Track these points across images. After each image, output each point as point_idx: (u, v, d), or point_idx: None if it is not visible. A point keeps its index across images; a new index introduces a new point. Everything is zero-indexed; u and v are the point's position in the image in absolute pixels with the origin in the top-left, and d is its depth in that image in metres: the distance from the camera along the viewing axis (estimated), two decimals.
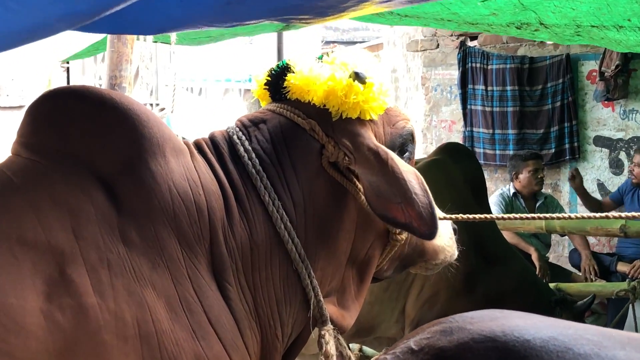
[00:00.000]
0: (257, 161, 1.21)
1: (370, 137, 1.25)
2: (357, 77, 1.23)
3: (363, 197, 1.25)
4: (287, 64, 1.31)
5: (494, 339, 0.81)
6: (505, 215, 1.44)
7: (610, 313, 4.09)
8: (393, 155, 1.22)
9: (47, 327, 0.92)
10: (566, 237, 4.91)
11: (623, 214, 1.36)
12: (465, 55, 5.57)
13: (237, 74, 8.80)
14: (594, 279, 4.16)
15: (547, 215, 1.36)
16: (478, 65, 5.52)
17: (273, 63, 1.36)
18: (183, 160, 1.16)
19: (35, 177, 1.05)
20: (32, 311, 0.92)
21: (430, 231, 1.17)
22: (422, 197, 1.17)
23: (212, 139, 1.26)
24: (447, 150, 3.04)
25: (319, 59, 1.31)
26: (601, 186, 5.22)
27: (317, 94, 1.25)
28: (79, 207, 1.02)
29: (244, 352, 1.13)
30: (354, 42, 10.53)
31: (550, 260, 4.61)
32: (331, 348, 1.21)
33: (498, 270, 2.82)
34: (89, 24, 1.15)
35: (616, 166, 5.24)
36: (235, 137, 1.24)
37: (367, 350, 3.38)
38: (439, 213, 1.28)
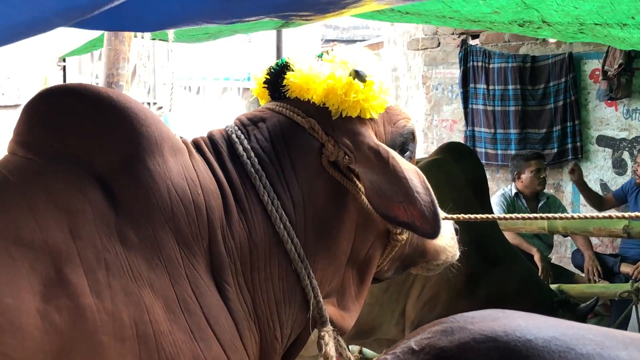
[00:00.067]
0: (256, 160, 1.20)
1: (370, 136, 1.24)
2: (357, 75, 1.22)
3: (364, 196, 1.24)
4: (287, 62, 1.30)
5: (496, 339, 0.81)
6: (507, 215, 1.43)
7: (613, 315, 4.07)
8: (394, 154, 1.21)
9: (43, 328, 0.92)
10: (569, 237, 4.89)
11: (626, 214, 1.35)
12: (466, 54, 5.55)
13: (235, 72, 8.81)
14: (597, 280, 4.14)
15: (550, 215, 1.35)
16: (480, 64, 5.50)
17: (272, 61, 1.35)
18: (181, 159, 1.15)
19: (32, 176, 1.04)
20: (28, 312, 0.91)
21: (433, 230, 1.16)
22: (424, 196, 1.17)
23: (211, 138, 1.25)
24: (449, 150, 3.03)
25: (318, 57, 1.30)
26: (604, 186, 5.20)
27: (316, 92, 1.24)
28: (76, 207, 1.02)
29: (243, 353, 1.12)
30: (354, 41, 10.52)
31: (552, 261, 4.59)
32: (331, 349, 1.20)
33: (500, 272, 2.81)
34: (86, 20, 1.14)
35: (619, 166, 5.22)
36: (234, 136, 1.24)
37: (367, 352, 3.37)
38: (440, 212, 1.27)
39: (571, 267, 4.58)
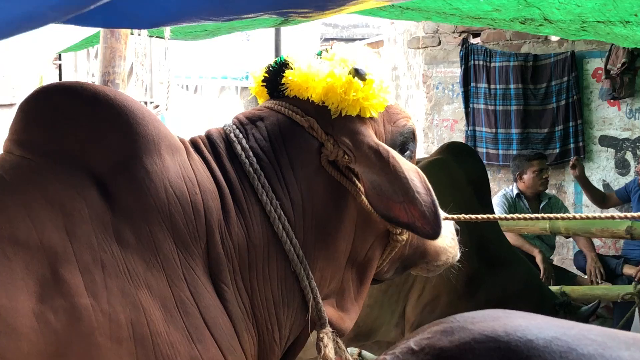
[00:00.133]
0: (254, 160, 1.20)
1: (370, 135, 1.23)
2: (357, 73, 1.21)
3: (363, 196, 1.23)
4: (285, 61, 1.29)
5: (496, 339, 0.80)
6: (509, 216, 1.42)
7: (615, 317, 4.05)
8: (394, 153, 1.20)
9: (39, 329, 0.91)
10: (571, 239, 4.87)
11: (629, 214, 1.33)
12: (467, 53, 5.53)
13: (233, 71, 8.80)
14: (599, 282, 4.12)
15: (552, 215, 1.34)
16: (481, 62, 5.48)
17: (271, 60, 1.34)
18: (179, 158, 1.14)
19: (28, 175, 1.03)
20: (24, 312, 0.90)
21: (434, 230, 1.15)
22: (424, 196, 1.16)
23: (209, 137, 1.24)
24: (450, 150, 3.02)
25: (317, 55, 1.29)
26: (607, 187, 5.18)
27: (315, 90, 1.23)
28: (72, 206, 1.01)
29: (241, 354, 1.12)
30: (354, 39, 10.51)
31: (554, 262, 4.57)
32: (330, 351, 1.19)
33: (501, 273, 2.79)
34: (82, 17, 1.13)
35: (622, 166, 5.20)
36: (232, 135, 1.23)
37: (366, 354, 3.36)
38: (441, 213, 1.25)
39: (573, 269, 4.56)
